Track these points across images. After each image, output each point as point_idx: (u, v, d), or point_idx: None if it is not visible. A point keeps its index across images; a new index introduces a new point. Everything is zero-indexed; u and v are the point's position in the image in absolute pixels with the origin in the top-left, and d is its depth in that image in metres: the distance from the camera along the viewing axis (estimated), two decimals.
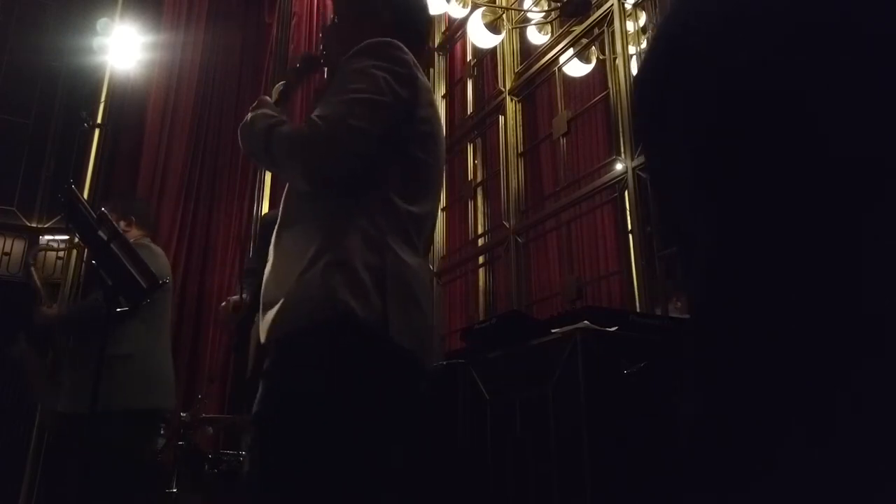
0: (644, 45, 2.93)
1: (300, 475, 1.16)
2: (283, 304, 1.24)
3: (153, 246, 3.00)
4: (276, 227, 1.38)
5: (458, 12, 3.83)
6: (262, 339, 1.28)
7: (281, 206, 1.40)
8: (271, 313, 1.26)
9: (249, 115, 1.39)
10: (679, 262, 0.66)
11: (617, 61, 2.97)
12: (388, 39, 1.40)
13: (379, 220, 1.28)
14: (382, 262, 1.25)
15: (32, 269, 3.07)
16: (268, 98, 1.47)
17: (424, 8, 1.64)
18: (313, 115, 1.27)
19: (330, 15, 1.61)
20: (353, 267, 1.22)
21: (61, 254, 5.47)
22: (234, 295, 2.47)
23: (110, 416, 2.40)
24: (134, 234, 2.97)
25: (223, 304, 2.41)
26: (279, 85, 1.60)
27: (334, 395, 1.19)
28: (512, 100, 3.63)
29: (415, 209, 1.34)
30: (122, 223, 2.97)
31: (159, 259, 2.92)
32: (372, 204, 1.29)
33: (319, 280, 1.21)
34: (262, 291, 1.34)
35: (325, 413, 1.17)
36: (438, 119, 1.47)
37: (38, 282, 3.00)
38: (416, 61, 1.41)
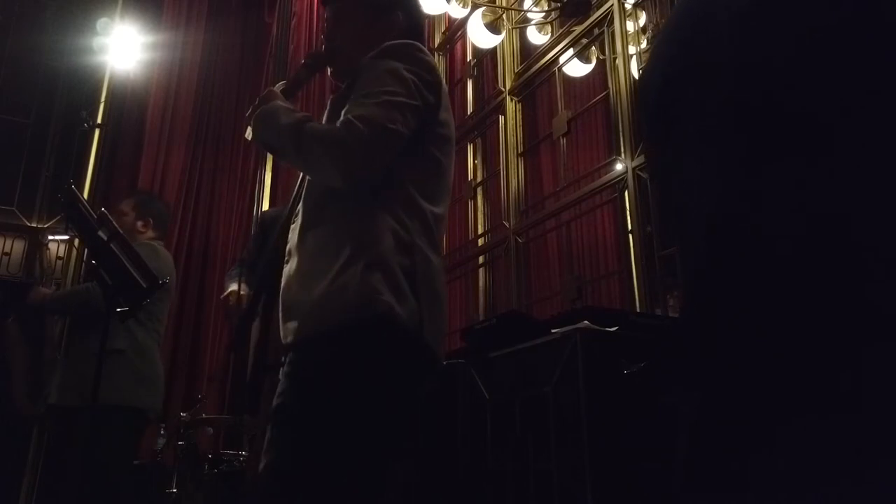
0: (644, 45, 2.93)
1: (326, 469, 1.18)
2: (315, 303, 1.24)
3: (161, 248, 2.98)
4: (299, 227, 1.36)
5: (458, 12, 3.83)
6: (289, 339, 1.27)
7: (302, 206, 1.39)
8: (300, 313, 1.26)
9: (266, 105, 1.37)
10: (679, 262, 0.66)
11: (617, 61, 2.97)
12: (412, 42, 1.41)
13: (406, 220, 1.29)
14: (413, 263, 1.26)
15: (45, 249, 3.04)
16: (277, 91, 1.45)
17: (423, 11, 1.67)
18: (350, 116, 1.26)
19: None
20: (391, 268, 1.23)
21: (61, 253, 5.47)
22: (229, 289, 2.45)
23: (97, 411, 2.37)
24: (148, 236, 2.97)
25: (225, 295, 2.39)
26: (279, 85, 1.59)
27: (369, 393, 1.20)
28: (512, 100, 3.63)
29: (436, 209, 1.36)
30: (139, 223, 2.97)
31: (163, 261, 2.90)
32: (397, 203, 1.30)
33: (359, 281, 1.21)
34: (282, 291, 1.33)
35: (358, 410, 1.19)
36: (453, 123, 1.48)
37: (44, 263, 2.98)
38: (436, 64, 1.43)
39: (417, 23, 1.56)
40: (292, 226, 1.39)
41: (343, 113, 1.28)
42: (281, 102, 1.39)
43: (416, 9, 1.58)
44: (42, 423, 3.46)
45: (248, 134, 1.42)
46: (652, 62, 0.68)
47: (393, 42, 1.39)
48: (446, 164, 1.42)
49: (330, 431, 1.18)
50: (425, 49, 1.42)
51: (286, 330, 1.29)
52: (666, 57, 0.64)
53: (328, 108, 1.46)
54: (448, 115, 1.43)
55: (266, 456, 1.22)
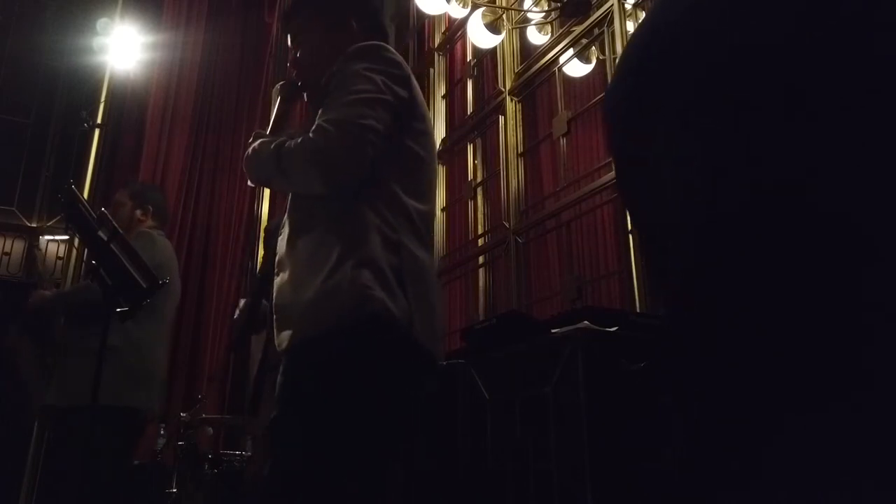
0: None
1: (325, 470, 1.18)
2: (309, 306, 1.24)
3: (158, 237, 2.90)
4: (287, 234, 1.37)
5: (458, 12, 3.83)
6: (284, 344, 1.27)
7: (287, 214, 1.40)
8: (293, 317, 1.26)
9: (250, 148, 1.40)
10: (664, 259, 0.65)
11: (617, 61, 2.97)
12: (375, 42, 1.43)
13: (391, 218, 1.29)
14: (400, 261, 1.26)
15: (36, 250, 3.04)
16: (262, 131, 1.48)
17: (380, 7, 1.68)
18: (320, 121, 1.27)
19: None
20: (380, 267, 1.24)
21: (61, 254, 5.48)
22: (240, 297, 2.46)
23: (97, 411, 2.33)
24: (149, 225, 2.94)
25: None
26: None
27: (365, 394, 1.21)
28: (512, 100, 3.63)
29: (420, 205, 1.36)
30: (138, 212, 2.93)
31: (160, 250, 2.82)
32: (381, 202, 1.30)
33: (350, 281, 1.21)
34: (275, 298, 1.33)
35: (354, 411, 1.20)
36: (429, 116, 1.50)
37: (40, 266, 2.96)
38: (404, 59, 1.44)
39: (375, 23, 1.56)
40: (280, 237, 1.40)
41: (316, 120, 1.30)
42: (262, 138, 1.41)
43: (369, 10, 1.58)
44: (44, 425, 3.45)
45: (250, 182, 1.44)
46: (641, 53, 0.67)
47: (357, 45, 1.40)
48: (427, 158, 1.42)
49: (327, 433, 1.19)
50: (390, 47, 1.43)
51: (280, 337, 1.29)
52: (660, 48, 0.64)
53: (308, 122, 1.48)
54: (423, 109, 1.44)
55: (270, 460, 1.23)
